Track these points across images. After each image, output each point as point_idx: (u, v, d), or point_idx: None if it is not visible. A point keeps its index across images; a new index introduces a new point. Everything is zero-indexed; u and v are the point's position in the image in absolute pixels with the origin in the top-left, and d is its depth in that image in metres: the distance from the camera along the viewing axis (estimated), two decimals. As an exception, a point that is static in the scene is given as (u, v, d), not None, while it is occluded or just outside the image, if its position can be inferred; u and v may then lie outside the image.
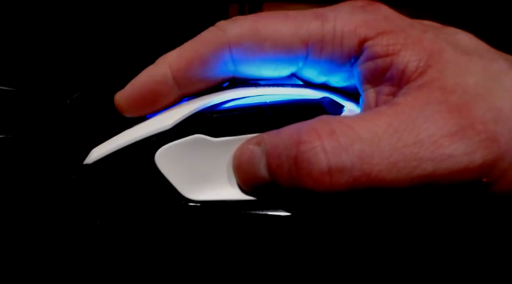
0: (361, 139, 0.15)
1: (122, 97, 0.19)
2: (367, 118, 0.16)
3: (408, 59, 0.17)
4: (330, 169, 0.15)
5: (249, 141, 0.18)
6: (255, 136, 0.18)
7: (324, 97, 0.19)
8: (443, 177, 0.15)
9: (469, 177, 0.15)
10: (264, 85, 0.20)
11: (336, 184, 0.15)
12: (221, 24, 0.19)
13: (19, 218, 0.21)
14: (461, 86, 0.16)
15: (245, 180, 0.18)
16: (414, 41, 0.17)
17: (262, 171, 0.17)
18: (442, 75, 0.16)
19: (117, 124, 0.20)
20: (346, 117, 0.16)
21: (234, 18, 0.19)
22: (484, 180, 0.15)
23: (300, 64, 0.19)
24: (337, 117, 0.16)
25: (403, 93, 0.16)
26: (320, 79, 0.20)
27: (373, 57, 0.17)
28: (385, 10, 0.19)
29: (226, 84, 0.21)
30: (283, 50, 0.18)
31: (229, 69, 0.19)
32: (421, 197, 0.16)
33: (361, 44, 0.18)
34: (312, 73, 0.20)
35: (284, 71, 0.19)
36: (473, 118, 0.15)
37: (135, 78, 0.19)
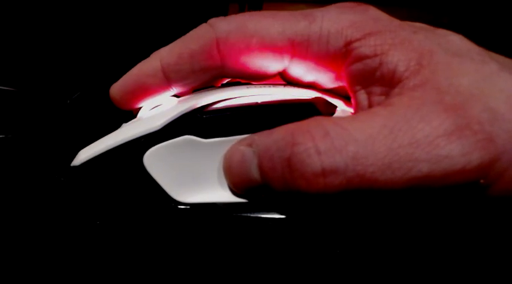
0: (356, 140, 0.15)
1: (115, 89, 0.20)
2: (362, 119, 0.16)
3: (398, 58, 0.16)
4: (324, 170, 0.15)
5: (239, 142, 0.17)
6: (246, 137, 0.17)
7: (316, 98, 0.19)
8: (439, 178, 0.15)
9: (465, 178, 0.15)
10: (255, 85, 0.19)
11: (329, 186, 0.15)
12: (212, 21, 0.19)
13: (15, 218, 0.21)
14: (455, 87, 0.15)
15: (236, 182, 0.17)
16: (403, 41, 0.17)
17: (254, 172, 0.16)
18: (435, 76, 0.16)
19: (116, 124, 0.20)
20: (340, 118, 0.16)
21: (226, 16, 0.19)
22: (481, 181, 0.15)
23: (286, 62, 0.19)
24: (330, 118, 0.16)
25: (397, 93, 0.16)
26: (307, 79, 0.20)
27: (361, 58, 0.17)
28: (373, 11, 0.18)
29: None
30: (270, 48, 0.18)
31: (216, 65, 0.19)
32: (418, 198, 0.16)
33: (348, 45, 0.17)
34: (298, 73, 0.19)
35: (270, 69, 0.19)
36: (470, 118, 0.15)
37: (128, 72, 0.20)
